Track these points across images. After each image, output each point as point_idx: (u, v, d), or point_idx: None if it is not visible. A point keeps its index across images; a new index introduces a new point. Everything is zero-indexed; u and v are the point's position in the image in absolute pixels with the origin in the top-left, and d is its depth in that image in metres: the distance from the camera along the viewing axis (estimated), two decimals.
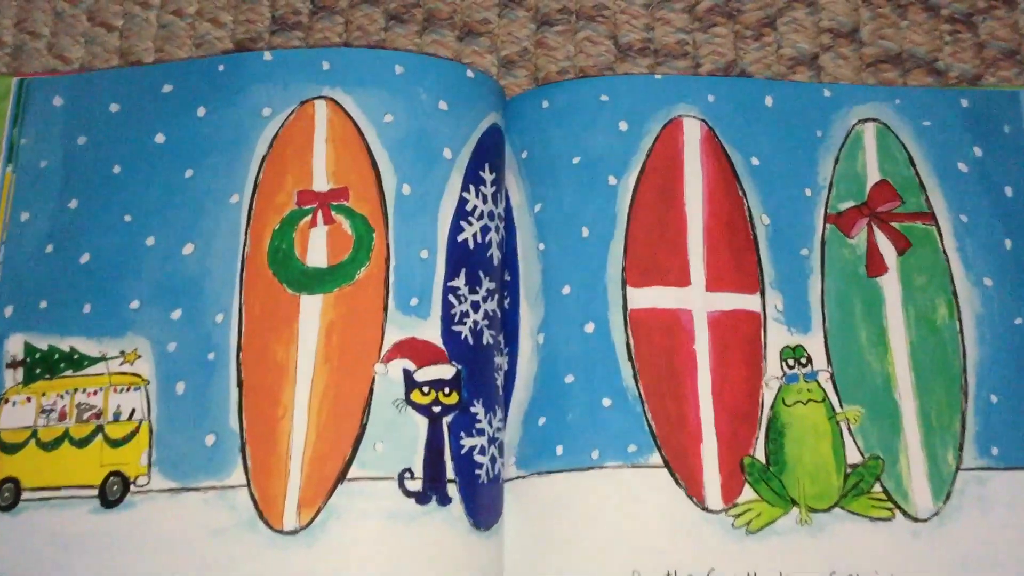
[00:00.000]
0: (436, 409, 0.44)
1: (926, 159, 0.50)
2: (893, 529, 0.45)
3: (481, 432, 0.45)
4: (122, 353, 0.46)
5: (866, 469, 0.46)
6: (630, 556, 0.43)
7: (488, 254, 0.48)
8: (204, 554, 0.42)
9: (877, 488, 0.45)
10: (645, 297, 0.47)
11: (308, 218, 0.46)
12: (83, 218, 0.48)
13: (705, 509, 0.45)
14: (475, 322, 0.46)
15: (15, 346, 0.46)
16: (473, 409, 0.45)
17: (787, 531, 0.44)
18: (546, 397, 0.46)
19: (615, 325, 0.47)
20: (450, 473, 0.44)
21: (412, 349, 0.45)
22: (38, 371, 0.46)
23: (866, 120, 0.51)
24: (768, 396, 0.46)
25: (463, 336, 0.46)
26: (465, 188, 0.48)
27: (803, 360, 0.47)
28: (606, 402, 0.46)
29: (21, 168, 0.49)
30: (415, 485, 0.43)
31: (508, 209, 0.50)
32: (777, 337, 0.47)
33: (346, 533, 0.42)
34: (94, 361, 0.46)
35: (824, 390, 0.47)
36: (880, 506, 0.45)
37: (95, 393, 0.46)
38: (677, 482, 0.45)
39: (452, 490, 0.44)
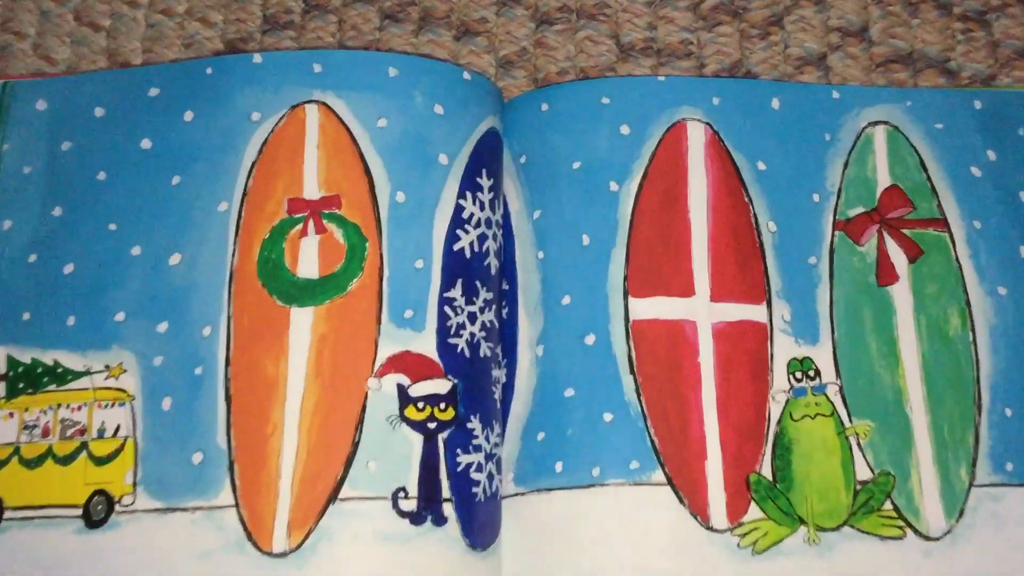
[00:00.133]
0: (431, 425, 0.43)
1: (938, 163, 0.49)
2: (904, 548, 0.44)
3: (478, 448, 0.44)
4: (107, 367, 0.45)
5: (876, 486, 0.45)
6: None
7: (485, 263, 0.47)
8: None
9: (888, 506, 0.44)
10: (648, 308, 0.46)
11: (299, 227, 0.45)
12: (67, 226, 0.47)
13: (710, 528, 0.43)
14: (472, 334, 0.45)
15: None
16: (470, 425, 0.44)
17: (795, 551, 0.43)
18: (545, 411, 0.45)
19: (616, 337, 0.46)
20: (446, 492, 0.43)
21: (406, 363, 0.44)
22: (21, 385, 0.45)
23: (876, 123, 0.50)
24: (775, 410, 0.45)
25: (459, 349, 0.45)
26: (462, 195, 0.46)
27: (811, 373, 0.46)
28: (607, 417, 0.45)
29: (3, 174, 0.48)
30: (409, 505, 0.42)
31: (506, 216, 0.49)
32: (784, 349, 0.46)
33: (338, 556, 0.41)
34: (78, 375, 0.45)
35: (833, 404, 0.46)
36: (891, 524, 0.44)
37: (79, 409, 0.45)
38: (680, 500, 0.44)
39: (448, 509, 0.43)
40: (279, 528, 0.42)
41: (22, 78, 0.51)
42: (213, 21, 0.56)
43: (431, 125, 0.47)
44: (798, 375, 0.46)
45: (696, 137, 0.48)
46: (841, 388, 0.46)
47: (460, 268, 0.46)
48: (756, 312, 0.46)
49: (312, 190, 0.45)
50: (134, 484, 0.43)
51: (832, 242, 0.48)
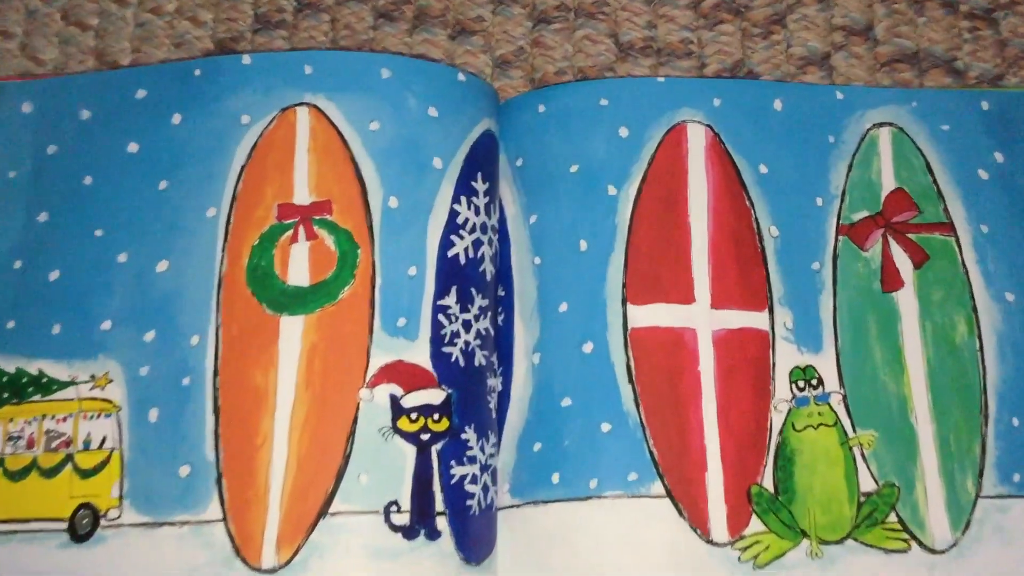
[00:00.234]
0: (425, 437, 0.43)
1: (945, 165, 0.49)
2: (909, 562, 0.43)
3: (473, 460, 0.43)
4: (92, 377, 0.44)
5: (880, 498, 0.44)
6: None
7: (480, 269, 0.46)
8: None
9: (892, 518, 0.44)
10: (647, 315, 0.45)
11: (289, 233, 0.44)
12: (53, 232, 0.46)
13: (710, 542, 0.43)
14: (466, 342, 0.44)
15: None
16: (464, 436, 0.43)
17: (797, 565, 0.43)
18: (542, 421, 0.45)
19: (615, 345, 0.45)
20: (439, 505, 0.42)
21: (399, 373, 0.43)
22: (5, 395, 0.44)
23: (881, 124, 0.49)
24: (777, 420, 0.45)
25: (454, 358, 0.44)
26: (456, 200, 0.46)
27: (814, 381, 0.45)
28: (605, 427, 0.44)
29: None
30: (402, 519, 0.41)
31: (502, 220, 0.48)
32: (786, 357, 0.45)
33: (328, 571, 0.40)
34: (63, 385, 0.44)
35: (836, 414, 0.45)
36: (895, 537, 0.43)
37: (64, 420, 0.44)
38: (680, 513, 0.43)
39: (441, 523, 0.42)
40: (268, 543, 0.41)
41: (8, 79, 0.50)
42: (203, 20, 0.55)
43: (425, 128, 0.46)
44: (800, 384, 0.45)
45: (696, 139, 0.48)
46: (844, 397, 0.45)
47: (454, 275, 0.45)
48: (758, 319, 0.46)
49: (303, 195, 0.45)
50: (120, 497, 0.42)
51: (836, 247, 0.47)
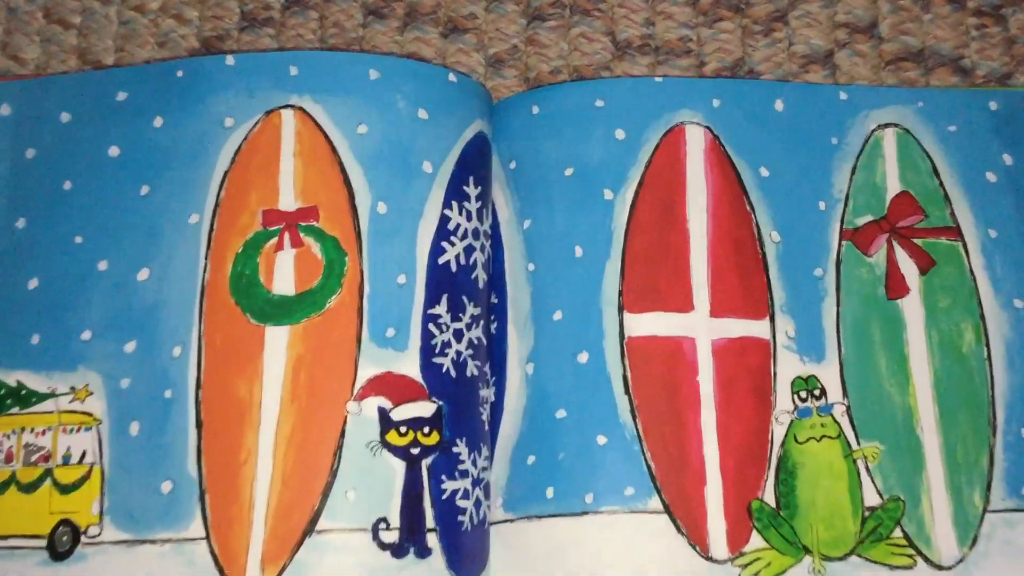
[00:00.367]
0: (414, 451, 0.41)
1: (951, 168, 0.48)
2: None
3: (464, 474, 0.42)
4: (72, 389, 0.43)
5: (885, 512, 0.43)
6: None
7: (472, 276, 0.44)
8: None
9: (897, 533, 0.43)
10: (644, 324, 0.44)
11: (274, 240, 0.43)
12: (31, 239, 0.45)
13: (709, 559, 0.42)
14: (458, 352, 0.43)
15: None
16: (456, 449, 0.42)
17: None
18: (535, 433, 0.44)
19: (611, 354, 0.44)
20: (430, 521, 0.41)
21: (388, 385, 0.42)
22: None
23: (886, 125, 0.48)
24: (778, 432, 0.44)
25: (444, 369, 0.43)
26: (447, 205, 0.44)
27: (816, 392, 0.44)
28: (601, 440, 0.43)
29: None
30: (391, 536, 0.40)
31: (495, 225, 0.47)
32: (788, 367, 0.45)
33: None
34: (43, 398, 0.43)
35: (839, 425, 0.44)
36: (900, 553, 0.43)
37: (43, 433, 0.43)
38: (679, 529, 0.42)
39: (432, 540, 0.41)
40: (252, 562, 0.40)
41: None
42: (188, 18, 0.54)
43: (414, 131, 0.45)
44: (803, 394, 0.44)
45: (695, 142, 0.47)
46: (848, 408, 0.44)
47: (445, 283, 0.44)
48: (758, 328, 0.45)
49: (288, 201, 0.44)
50: (101, 514, 0.41)
51: (839, 253, 0.46)
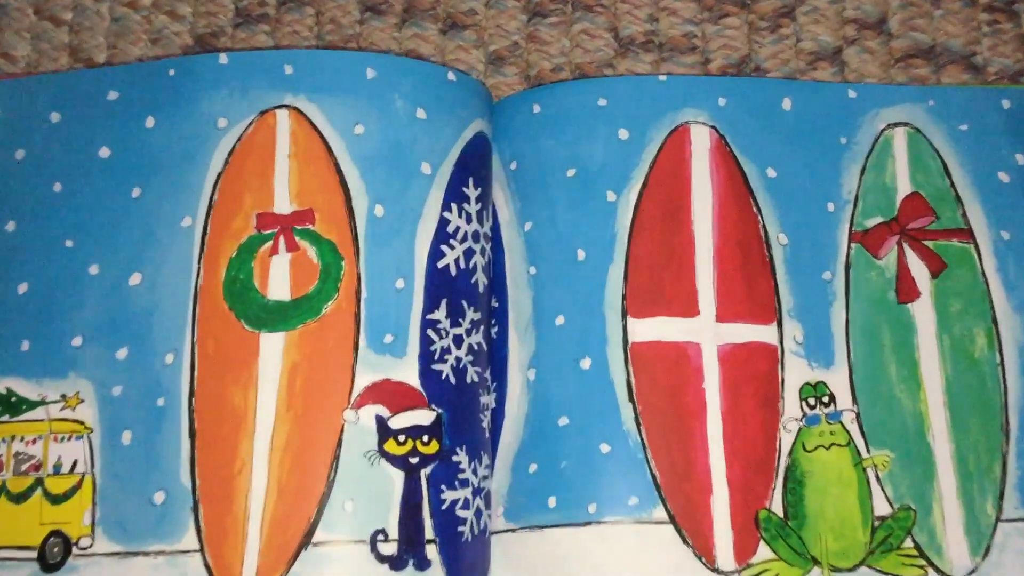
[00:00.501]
0: (413, 460, 0.41)
1: (963, 168, 0.47)
2: None
3: (465, 483, 0.41)
4: (63, 396, 0.42)
5: (896, 522, 0.42)
6: None
7: (472, 280, 0.44)
8: None
9: (908, 543, 0.42)
10: (648, 329, 0.44)
11: (269, 244, 0.42)
12: (21, 242, 0.44)
13: (716, 570, 0.41)
14: (457, 359, 0.42)
15: None
16: (456, 458, 0.41)
17: None
18: (537, 441, 0.43)
19: (614, 360, 0.43)
20: (429, 532, 0.40)
21: (386, 393, 0.41)
22: None
23: (896, 124, 0.47)
24: (786, 440, 0.43)
25: (444, 376, 0.42)
26: (446, 207, 0.44)
27: (825, 399, 0.44)
28: (604, 448, 0.42)
29: None
30: (389, 548, 0.40)
31: (495, 227, 0.46)
32: (796, 373, 0.44)
33: None
34: (33, 405, 0.42)
35: (849, 433, 0.43)
36: (911, 563, 0.42)
37: (34, 442, 0.42)
38: (684, 540, 0.41)
39: (431, 552, 0.40)
40: (247, 575, 0.39)
41: None
42: (182, 14, 0.53)
43: (413, 131, 0.44)
44: (811, 401, 0.44)
45: (700, 142, 0.46)
46: (858, 415, 0.44)
47: (445, 287, 0.43)
48: (765, 333, 0.44)
49: (283, 204, 0.43)
50: (92, 525, 0.41)
51: (848, 255, 0.45)
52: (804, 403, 0.43)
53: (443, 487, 0.41)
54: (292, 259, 0.42)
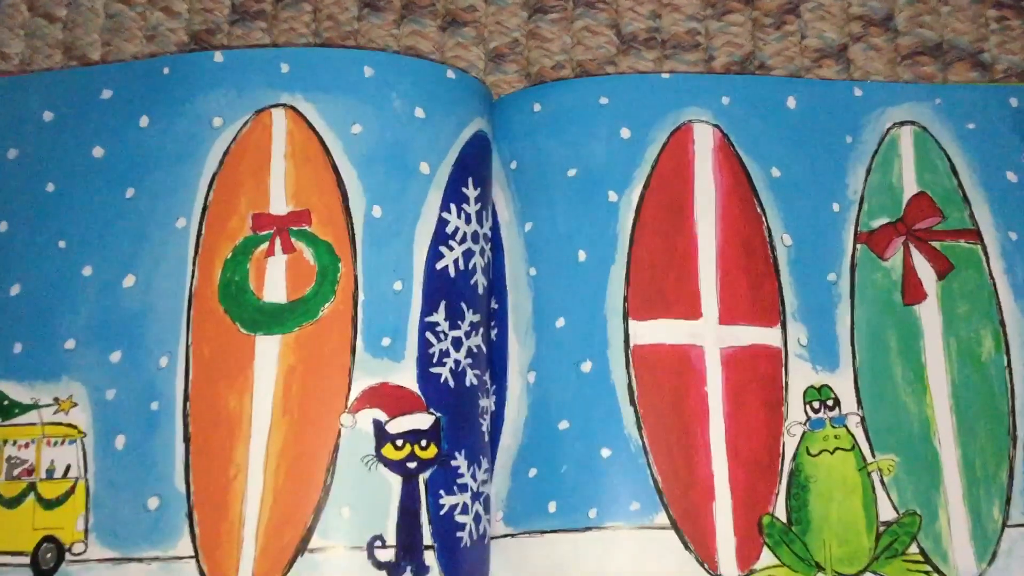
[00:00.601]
0: (411, 465, 0.40)
1: (971, 167, 0.47)
2: None
3: (464, 488, 0.41)
4: (56, 400, 0.42)
5: (901, 527, 0.42)
6: None
7: (472, 282, 0.43)
8: None
9: (913, 549, 0.42)
10: (650, 331, 0.43)
11: (264, 246, 0.42)
12: (13, 243, 0.44)
13: None
14: (456, 362, 0.42)
15: None
16: (454, 462, 0.41)
17: None
18: (537, 446, 0.43)
19: (616, 363, 0.43)
20: (427, 538, 0.40)
21: (384, 397, 0.41)
22: None
23: (902, 123, 0.47)
24: (790, 444, 0.43)
25: (443, 379, 0.41)
26: (445, 208, 0.43)
27: (830, 402, 0.43)
28: (605, 452, 0.42)
29: None
30: (387, 555, 0.39)
31: (495, 228, 0.46)
32: (800, 376, 0.44)
33: None
34: (25, 409, 0.42)
35: (854, 437, 0.43)
36: (917, 569, 0.42)
37: (26, 446, 0.42)
38: (686, 546, 0.41)
39: (430, 558, 0.40)
40: None
41: None
42: (177, 11, 0.52)
43: (411, 130, 0.43)
44: (815, 405, 0.43)
45: (703, 141, 0.45)
46: (863, 419, 0.43)
47: (443, 289, 0.42)
48: (769, 335, 0.44)
49: (279, 205, 0.42)
50: (86, 530, 0.40)
51: (853, 257, 0.45)
52: (808, 407, 0.43)
53: (442, 492, 0.40)
54: (288, 261, 0.41)
